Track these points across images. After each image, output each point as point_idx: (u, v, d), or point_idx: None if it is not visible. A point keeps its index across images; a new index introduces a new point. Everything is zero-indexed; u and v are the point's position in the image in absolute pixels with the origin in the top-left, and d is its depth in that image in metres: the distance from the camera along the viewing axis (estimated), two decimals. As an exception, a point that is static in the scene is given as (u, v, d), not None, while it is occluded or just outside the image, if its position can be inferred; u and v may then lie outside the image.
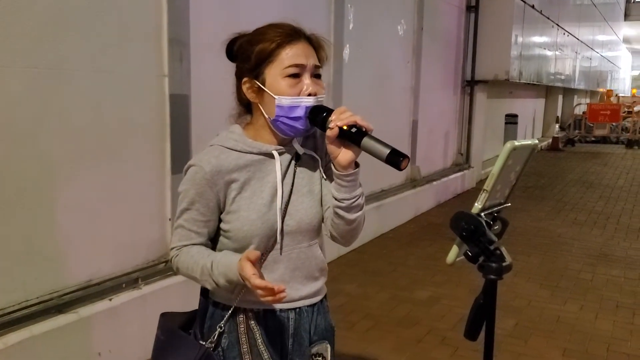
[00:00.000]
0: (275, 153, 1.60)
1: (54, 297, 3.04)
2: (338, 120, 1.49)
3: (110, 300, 3.22)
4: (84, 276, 3.23)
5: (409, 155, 1.44)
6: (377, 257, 5.73)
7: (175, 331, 1.69)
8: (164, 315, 1.76)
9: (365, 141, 1.47)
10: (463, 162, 9.62)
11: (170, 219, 3.72)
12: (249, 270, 1.41)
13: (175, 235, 1.63)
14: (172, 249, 1.64)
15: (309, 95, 1.54)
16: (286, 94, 1.53)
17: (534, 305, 4.55)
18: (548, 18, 12.16)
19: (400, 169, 1.45)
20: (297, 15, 5.69)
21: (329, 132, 1.49)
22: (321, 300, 1.76)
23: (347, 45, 5.84)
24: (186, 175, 1.59)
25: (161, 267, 3.63)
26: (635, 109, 18.39)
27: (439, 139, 8.80)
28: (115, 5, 3.27)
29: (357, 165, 1.57)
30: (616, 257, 5.88)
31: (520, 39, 9.88)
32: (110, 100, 3.29)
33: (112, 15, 3.26)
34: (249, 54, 1.56)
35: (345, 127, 1.48)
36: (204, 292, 1.70)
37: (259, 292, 1.39)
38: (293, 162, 1.65)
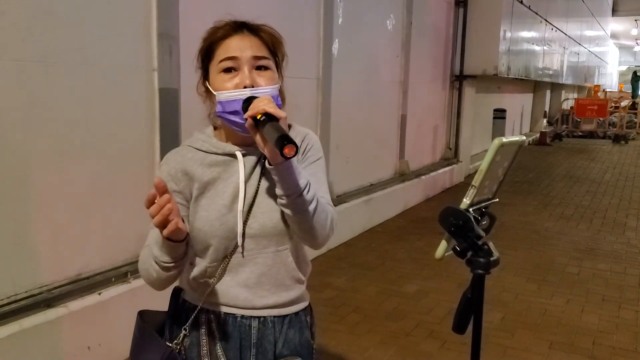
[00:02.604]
0: (238, 154, 1.55)
1: (44, 291, 3.04)
2: (250, 111, 1.40)
3: (99, 294, 3.22)
4: (73, 270, 3.23)
5: (297, 144, 1.32)
6: (366, 251, 5.76)
7: (147, 330, 1.66)
8: (141, 314, 1.71)
9: (266, 128, 1.37)
10: (451, 156, 9.66)
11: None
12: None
13: (148, 239, 1.56)
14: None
15: (245, 87, 1.47)
16: (222, 88, 1.49)
17: (520, 299, 4.59)
18: (536, 13, 12.21)
19: (284, 156, 1.32)
20: (287, 10, 5.67)
21: (246, 124, 1.41)
22: (296, 313, 1.67)
23: (337, 40, 5.84)
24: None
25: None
26: (622, 104, 18.53)
27: (427, 134, 8.83)
28: (104, -2, 3.26)
29: (287, 158, 1.38)
30: (602, 252, 5.94)
31: (508, 34, 9.92)
32: (99, 93, 3.28)
33: (101, 8, 3.25)
34: (198, 55, 1.57)
35: (259, 117, 1.39)
36: (175, 291, 1.68)
37: (151, 211, 1.31)
38: (260, 163, 1.57)
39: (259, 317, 1.61)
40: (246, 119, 1.42)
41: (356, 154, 6.43)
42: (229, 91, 1.48)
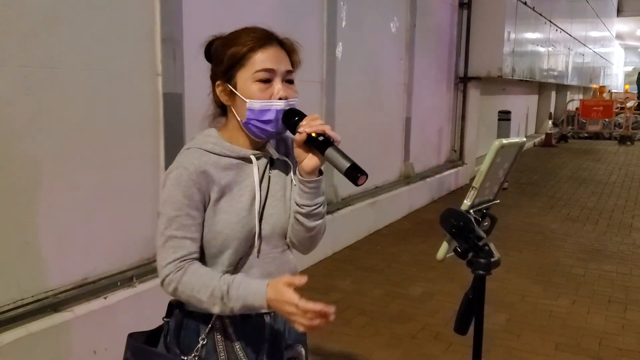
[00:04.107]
0: (253, 158, 1.61)
1: (50, 296, 3.05)
2: (308, 127, 1.49)
3: (105, 298, 3.23)
4: (79, 274, 3.24)
5: (367, 173, 1.45)
6: (371, 254, 5.76)
7: (146, 350, 1.66)
8: (132, 336, 1.71)
9: (329, 151, 1.48)
10: (457, 158, 9.65)
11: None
12: (294, 296, 1.39)
13: (167, 249, 1.53)
14: (168, 264, 1.53)
15: (280, 99, 1.54)
16: (256, 97, 1.53)
17: (526, 301, 4.58)
18: (540, 14, 12.19)
19: (356, 185, 1.46)
20: (290, 13, 5.67)
21: (297, 137, 1.51)
22: None
23: (340, 43, 5.85)
24: (168, 182, 1.55)
25: (155, 265, 3.64)
26: (628, 104, 18.46)
27: (432, 136, 8.83)
28: (107, 3, 3.28)
29: (320, 173, 1.58)
30: (608, 253, 5.93)
31: (512, 36, 9.91)
32: (104, 98, 3.30)
33: (105, 13, 3.26)
34: (222, 57, 1.57)
35: (313, 135, 1.49)
36: (177, 303, 1.66)
37: (308, 316, 1.37)
38: (268, 166, 1.65)
39: (269, 313, 1.66)
40: (295, 132, 1.51)
41: (361, 156, 6.36)
42: (266, 101, 1.53)
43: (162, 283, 1.55)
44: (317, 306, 1.37)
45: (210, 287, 1.49)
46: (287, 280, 1.42)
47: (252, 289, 1.46)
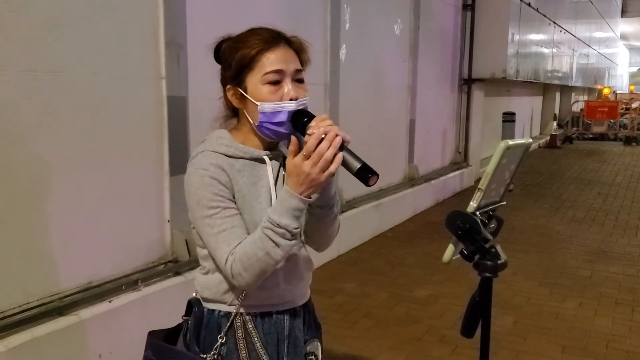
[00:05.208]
0: (266, 158, 1.61)
1: (55, 300, 3.05)
2: (316, 128, 1.47)
3: (110, 302, 3.23)
4: (84, 278, 3.24)
5: (378, 173, 1.45)
6: (376, 256, 5.75)
7: (167, 348, 1.66)
8: (152, 334, 1.71)
9: (343, 154, 1.46)
10: (461, 160, 9.64)
11: (169, 221, 3.73)
12: (298, 157, 1.43)
13: (221, 245, 1.51)
14: (227, 258, 1.50)
15: (291, 100, 1.53)
16: (267, 100, 1.52)
17: (533, 303, 4.56)
18: (544, 15, 12.18)
19: (368, 185, 1.46)
20: (293, 16, 5.68)
21: (306, 138, 1.48)
22: (309, 299, 1.80)
23: (344, 46, 5.85)
24: (192, 188, 1.54)
25: (160, 269, 3.64)
26: (633, 105, 18.42)
27: (436, 138, 8.82)
28: (111, 7, 3.28)
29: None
30: (615, 254, 5.90)
31: (516, 37, 9.90)
32: (108, 102, 3.30)
33: (109, 17, 3.27)
34: (230, 61, 1.56)
35: (323, 136, 1.46)
36: (196, 301, 1.67)
37: (322, 148, 1.41)
38: (281, 166, 1.64)
39: (289, 310, 1.69)
40: (304, 134, 1.49)
41: (365, 159, 6.36)
42: (277, 103, 1.53)
43: (232, 277, 1.52)
44: (315, 136, 1.41)
45: (255, 239, 1.48)
46: (288, 158, 1.45)
47: (280, 200, 1.47)
